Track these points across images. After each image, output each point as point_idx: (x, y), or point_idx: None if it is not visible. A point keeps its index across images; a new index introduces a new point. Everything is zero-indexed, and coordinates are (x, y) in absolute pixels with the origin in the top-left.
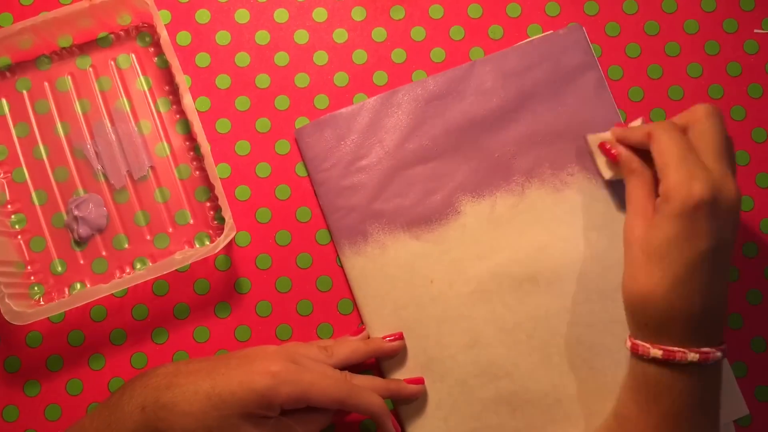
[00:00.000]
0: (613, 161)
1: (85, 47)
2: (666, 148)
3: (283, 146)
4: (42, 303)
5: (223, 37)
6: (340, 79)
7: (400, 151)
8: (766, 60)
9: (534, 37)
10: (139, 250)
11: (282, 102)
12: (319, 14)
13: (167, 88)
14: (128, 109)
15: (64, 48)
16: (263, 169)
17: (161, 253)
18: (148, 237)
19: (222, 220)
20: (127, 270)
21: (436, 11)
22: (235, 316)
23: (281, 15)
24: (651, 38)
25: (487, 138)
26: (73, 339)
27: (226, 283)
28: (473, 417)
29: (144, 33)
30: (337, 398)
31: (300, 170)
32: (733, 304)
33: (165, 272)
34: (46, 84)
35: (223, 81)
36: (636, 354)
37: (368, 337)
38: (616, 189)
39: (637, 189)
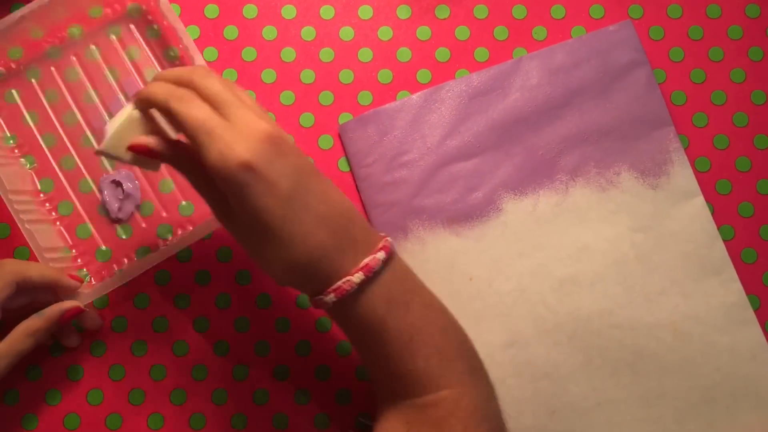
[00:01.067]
0: (150, 156)
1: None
2: (190, 125)
3: (326, 141)
4: (93, 282)
5: (269, 32)
6: (384, 76)
7: (443, 147)
8: None
9: (583, 35)
10: (176, 217)
11: (326, 97)
12: (365, 12)
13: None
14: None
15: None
16: None
17: (199, 216)
18: (184, 203)
19: None
20: (168, 237)
21: (480, 11)
22: (275, 307)
23: (327, 12)
24: (695, 43)
25: (531, 135)
26: (138, 302)
27: (267, 276)
28: (510, 417)
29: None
30: None
31: (343, 165)
32: (752, 288)
33: (208, 232)
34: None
35: (268, 75)
36: (323, 309)
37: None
38: (663, 190)
39: (194, 179)
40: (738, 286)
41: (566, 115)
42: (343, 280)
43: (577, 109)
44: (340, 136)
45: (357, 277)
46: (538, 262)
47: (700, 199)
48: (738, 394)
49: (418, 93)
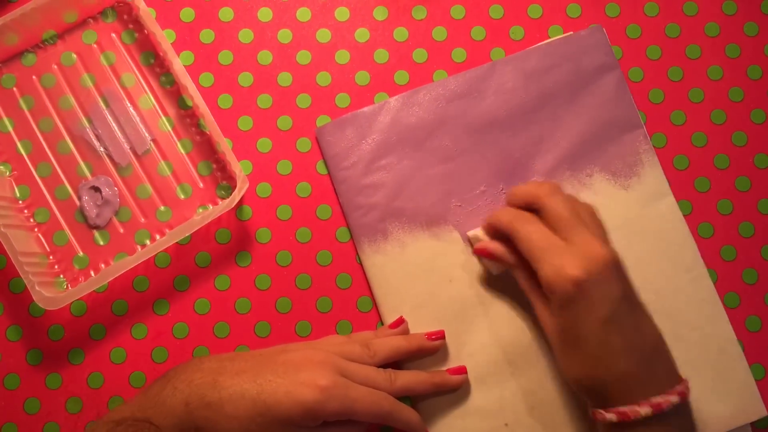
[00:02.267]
0: (492, 259)
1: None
2: (526, 243)
3: (304, 144)
4: (69, 288)
5: (245, 35)
6: (362, 78)
7: (421, 150)
8: None
9: (555, 38)
10: (154, 223)
11: (303, 100)
12: (342, 13)
13: (154, 60)
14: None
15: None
16: (284, 167)
17: (177, 222)
18: (162, 208)
19: (229, 190)
20: (147, 242)
21: (457, 11)
22: (254, 312)
23: (304, 14)
24: (672, 40)
25: (507, 138)
26: (116, 308)
27: (246, 280)
28: (490, 414)
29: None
30: (380, 415)
31: (321, 168)
32: (731, 285)
33: (186, 234)
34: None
35: (245, 79)
36: (597, 421)
37: (408, 331)
38: (635, 191)
39: (524, 281)
40: (708, 282)
41: (540, 118)
42: (630, 407)
43: (551, 113)
44: (317, 139)
45: (644, 410)
46: None
47: (671, 199)
48: (706, 387)
49: (396, 96)
